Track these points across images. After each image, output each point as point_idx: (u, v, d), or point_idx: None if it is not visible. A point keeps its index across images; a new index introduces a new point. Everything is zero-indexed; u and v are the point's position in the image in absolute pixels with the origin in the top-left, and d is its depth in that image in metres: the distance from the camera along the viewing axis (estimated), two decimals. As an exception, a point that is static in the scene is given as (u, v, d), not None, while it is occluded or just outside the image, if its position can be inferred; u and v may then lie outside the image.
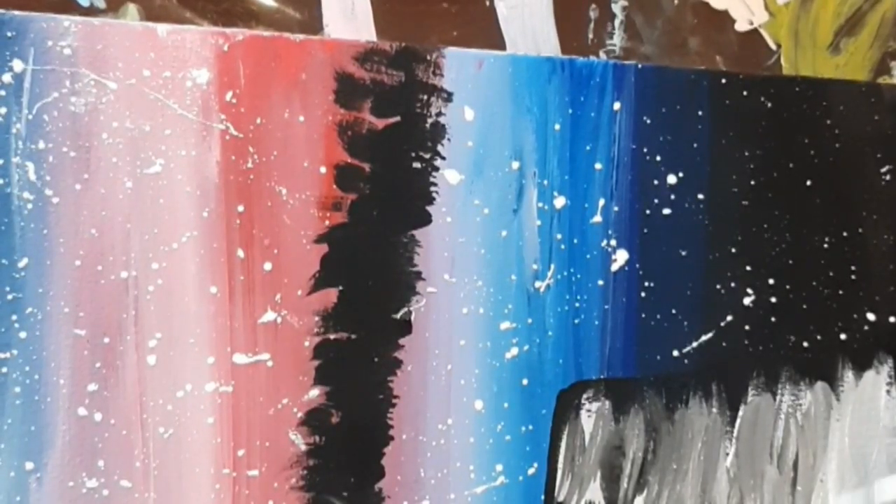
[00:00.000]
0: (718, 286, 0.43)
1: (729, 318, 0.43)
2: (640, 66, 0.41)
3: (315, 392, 0.37)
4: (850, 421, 0.46)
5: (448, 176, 0.38)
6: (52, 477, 0.35)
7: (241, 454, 0.37)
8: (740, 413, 0.44)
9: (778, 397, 0.45)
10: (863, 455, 0.47)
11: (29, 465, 0.34)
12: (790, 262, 0.44)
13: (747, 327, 0.43)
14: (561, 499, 0.41)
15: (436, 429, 0.39)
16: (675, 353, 0.42)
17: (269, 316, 0.37)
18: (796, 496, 0.45)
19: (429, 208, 0.38)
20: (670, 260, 0.42)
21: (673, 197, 0.42)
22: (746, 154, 0.42)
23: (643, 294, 0.42)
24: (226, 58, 0.36)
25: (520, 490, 0.40)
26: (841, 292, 0.45)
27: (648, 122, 0.41)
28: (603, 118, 0.40)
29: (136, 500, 0.36)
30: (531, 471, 0.40)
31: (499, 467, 0.40)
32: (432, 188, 0.38)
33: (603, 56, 0.41)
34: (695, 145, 0.42)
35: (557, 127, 0.40)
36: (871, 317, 0.46)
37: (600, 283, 0.41)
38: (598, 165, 0.40)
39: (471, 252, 0.39)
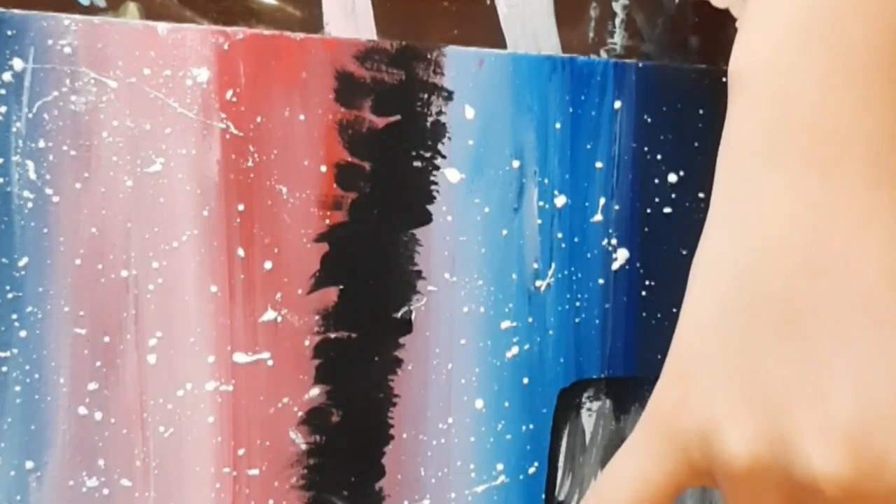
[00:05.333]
0: (719, 285, 0.43)
1: (730, 316, 0.43)
2: (640, 64, 0.41)
3: (315, 391, 0.37)
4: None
5: (448, 175, 0.38)
6: (52, 476, 0.35)
7: (241, 453, 0.37)
8: (741, 412, 0.44)
9: (779, 396, 0.44)
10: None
11: (29, 464, 0.34)
12: (791, 260, 0.44)
13: (748, 326, 0.43)
14: (562, 498, 0.41)
15: (436, 428, 0.39)
16: (676, 351, 0.42)
17: (270, 315, 0.37)
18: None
19: (429, 207, 0.38)
20: (671, 259, 0.42)
21: (674, 196, 0.42)
22: (747, 153, 0.42)
23: (644, 293, 0.42)
24: (226, 56, 0.36)
25: (520, 489, 0.40)
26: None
27: (649, 120, 0.41)
28: (604, 117, 0.40)
29: (136, 499, 0.36)
30: (532, 470, 0.40)
31: (499, 466, 0.40)
32: (433, 187, 0.38)
33: (604, 55, 0.41)
34: (696, 144, 0.42)
35: (558, 125, 0.40)
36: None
37: (601, 281, 0.41)
38: (598, 164, 0.40)
39: (471, 251, 0.39)
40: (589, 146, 0.40)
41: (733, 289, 0.30)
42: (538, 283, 0.40)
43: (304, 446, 0.37)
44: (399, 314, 0.38)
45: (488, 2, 0.39)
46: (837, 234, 0.28)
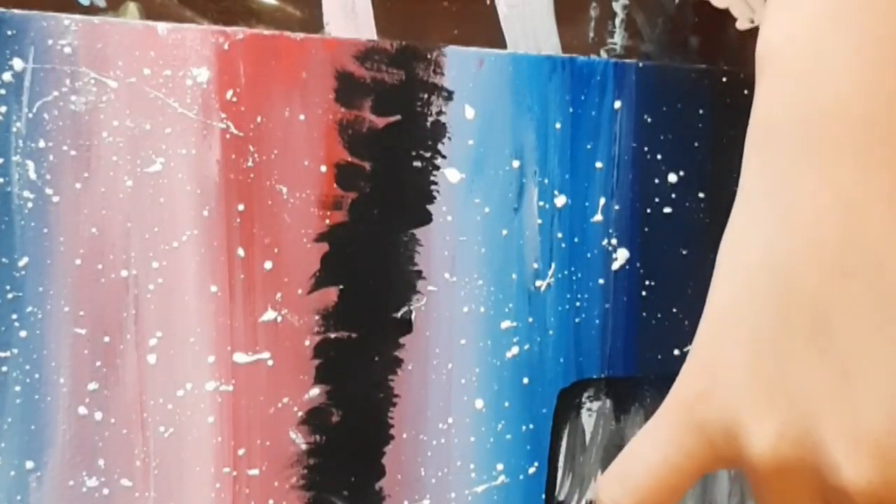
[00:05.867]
0: (719, 285, 0.43)
1: (730, 316, 0.43)
2: (640, 64, 0.41)
3: (315, 391, 0.37)
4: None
5: (449, 175, 0.38)
6: (52, 476, 0.35)
7: (241, 453, 0.37)
8: (741, 412, 0.44)
9: (779, 396, 0.44)
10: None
11: (29, 464, 0.34)
12: (791, 260, 0.44)
13: (748, 326, 0.43)
14: (562, 498, 0.41)
15: (436, 428, 0.39)
16: (676, 351, 0.42)
17: (270, 315, 0.37)
18: (797, 495, 0.45)
19: (429, 207, 0.38)
20: (671, 259, 0.42)
21: (674, 196, 0.42)
22: (747, 153, 0.42)
23: (644, 293, 0.42)
24: (226, 56, 0.36)
25: (520, 489, 0.40)
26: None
27: (649, 120, 0.41)
28: (604, 117, 0.40)
29: (136, 499, 0.36)
30: (532, 470, 0.40)
31: (499, 466, 0.40)
32: (433, 187, 0.38)
33: (604, 54, 0.41)
34: (696, 144, 0.42)
35: (558, 125, 0.40)
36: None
37: (601, 281, 0.41)
38: (598, 164, 0.40)
39: (471, 251, 0.39)
40: (589, 146, 0.40)
41: (762, 281, 0.29)
42: (538, 283, 0.40)
43: (304, 446, 0.37)
44: (399, 314, 0.38)
45: (488, 2, 0.39)
46: (871, 229, 0.27)
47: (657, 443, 0.31)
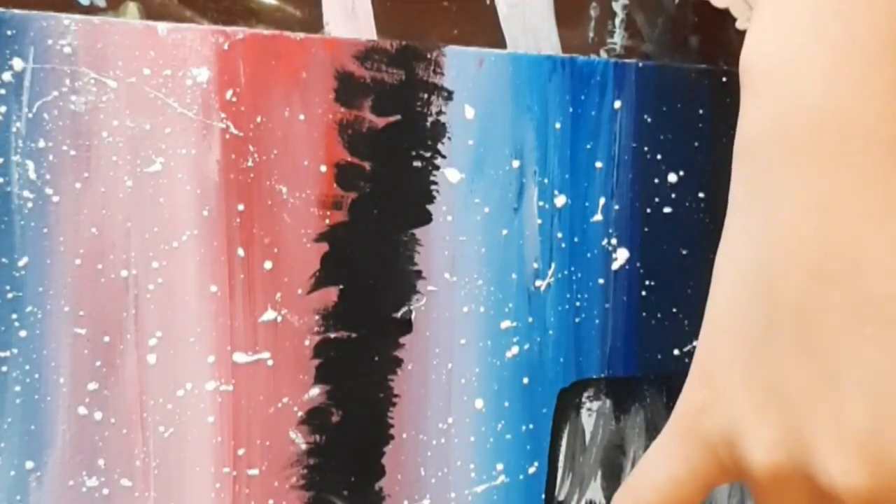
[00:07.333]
0: (719, 285, 0.43)
1: (730, 316, 0.43)
2: (640, 64, 0.41)
3: (315, 391, 0.37)
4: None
5: (448, 174, 0.38)
6: (52, 476, 0.35)
7: (241, 453, 0.37)
8: (741, 412, 0.44)
9: (779, 396, 0.44)
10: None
11: (29, 464, 0.34)
12: (791, 260, 0.44)
13: (748, 326, 0.43)
14: (562, 498, 0.41)
15: (436, 428, 0.39)
16: (676, 351, 0.42)
17: (270, 315, 0.37)
18: (797, 495, 0.45)
19: (429, 207, 0.38)
20: (671, 258, 0.42)
21: (674, 195, 0.42)
22: (747, 153, 0.42)
23: (644, 293, 0.42)
24: (226, 56, 0.36)
25: (520, 489, 0.40)
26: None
27: (649, 120, 0.41)
28: (604, 116, 0.40)
29: (136, 499, 0.36)
30: (532, 470, 0.40)
31: (499, 466, 0.40)
32: (433, 187, 0.38)
33: (604, 54, 0.41)
34: (696, 144, 0.42)
35: (558, 125, 0.40)
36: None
37: (601, 281, 0.41)
38: (598, 164, 0.40)
39: (471, 251, 0.39)
40: (589, 146, 0.40)
41: (751, 293, 0.29)
42: (538, 282, 0.40)
43: (304, 446, 0.37)
44: (399, 314, 0.38)
45: (488, 2, 0.39)
46: (846, 236, 0.28)
47: (663, 458, 0.31)
